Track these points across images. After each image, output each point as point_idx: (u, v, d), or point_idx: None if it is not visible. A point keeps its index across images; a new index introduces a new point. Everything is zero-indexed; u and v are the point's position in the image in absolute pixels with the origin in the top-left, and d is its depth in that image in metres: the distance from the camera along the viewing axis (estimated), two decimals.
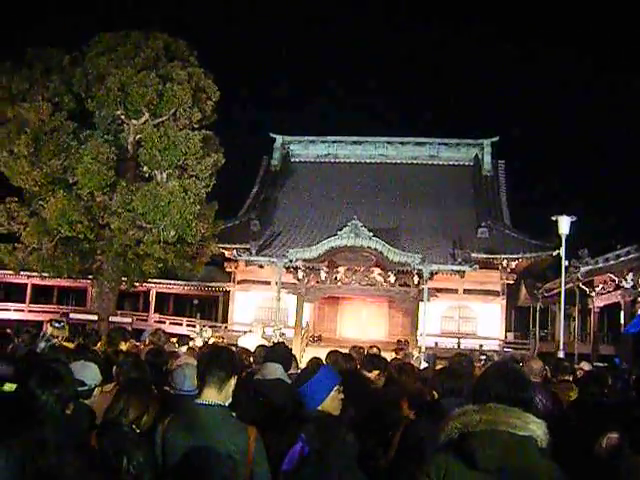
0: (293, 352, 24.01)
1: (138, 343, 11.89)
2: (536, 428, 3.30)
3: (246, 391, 5.53)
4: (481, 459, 3.22)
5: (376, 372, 8.23)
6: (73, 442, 3.92)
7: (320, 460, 3.99)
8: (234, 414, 4.36)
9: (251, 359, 9.41)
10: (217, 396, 4.20)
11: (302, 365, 11.71)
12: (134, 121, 30.71)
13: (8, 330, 11.63)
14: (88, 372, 5.39)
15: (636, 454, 3.41)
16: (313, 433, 4.15)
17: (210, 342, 15.77)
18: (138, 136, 30.60)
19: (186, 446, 3.96)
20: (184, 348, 14.63)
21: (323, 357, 9.97)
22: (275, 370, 6.56)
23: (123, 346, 10.09)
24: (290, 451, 4.15)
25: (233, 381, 4.32)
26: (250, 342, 12.87)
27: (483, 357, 10.62)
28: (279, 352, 7.48)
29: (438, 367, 11.18)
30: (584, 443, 4.36)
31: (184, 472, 3.80)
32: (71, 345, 9.09)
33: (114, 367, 6.58)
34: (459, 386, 5.65)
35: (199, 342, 17.93)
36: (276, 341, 25.21)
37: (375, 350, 12.63)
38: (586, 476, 3.52)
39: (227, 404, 4.29)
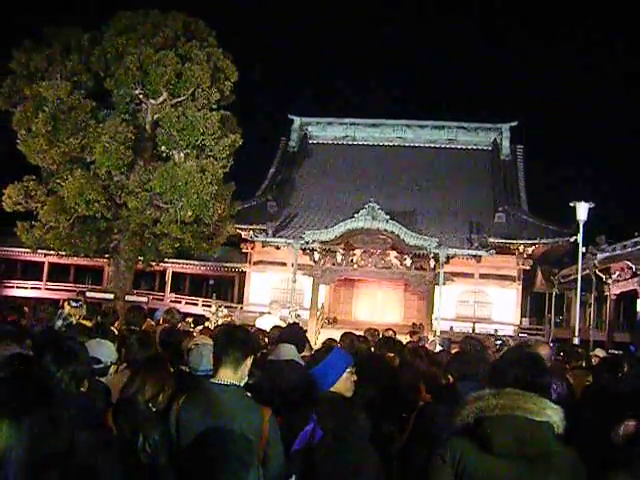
0: (308, 334, 24.11)
1: (153, 322, 11.93)
2: (553, 414, 3.30)
3: (260, 371, 5.54)
4: (497, 444, 3.22)
5: (391, 355, 8.25)
6: (88, 420, 3.94)
7: (334, 440, 4.01)
8: (249, 394, 4.38)
9: (266, 340, 9.42)
10: (233, 376, 4.21)
11: (317, 346, 11.77)
12: (152, 101, 30.68)
13: (25, 308, 11.70)
14: (104, 350, 5.43)
15: None
16: (325, 414, 4.16)
17: (220, 323, 15.77)
18: (156, 116, 30.57)
19: (201, 425, 3.96)
20: (199, 328, 14.69)
21: (338, 339, 10.03)
22: (288, 351, 6.57)
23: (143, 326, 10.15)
24: (302, 432, 4.17)
25: (249, 361, 4.32)
26: (268, 323, 12.86)
27: (498, 342, 10.58)
28: (293, 333, 7.51)
29: (453, 351, 11.20)
30: (598, 430, 4.35)
31: (199, 451, 3.81)
32: (89, 323, 9.14)
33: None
34: (474, 370, 5.65)
35: (214, 322, 17.99)
36: (291, 322, 25.35)
37: (390, 333, 12.65)
38: (601, 463, 3.51)
39: (242, 384, 4.31)
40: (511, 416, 3.26)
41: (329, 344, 5.08)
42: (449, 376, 5.84)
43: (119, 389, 4.73)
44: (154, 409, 4.43)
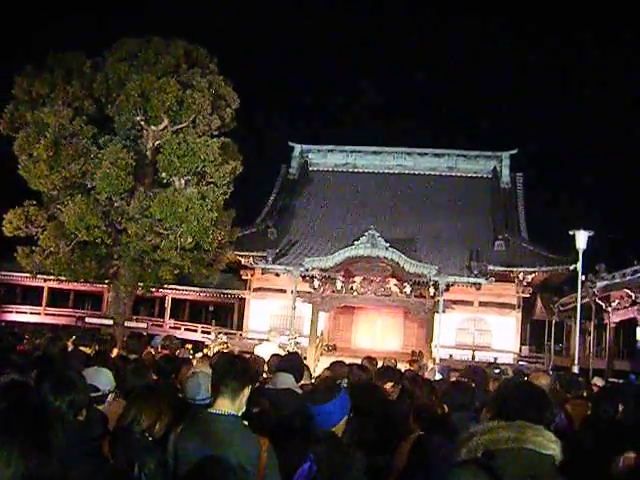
0: (307, 361, 23.97)
1: (152, 350, 11.92)
2: (556, 447, 3.32)
3: (257, 401, 5.53)
4: (510, 477, 3.22)
5: (390, 384, 8.22)
6: (85, 448, 3.93)
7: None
8: (246, 423, 4.36)
9: (265, 368, 9.40)
10: (230, 406, 4.19)
11: (316, 374, 11.74)
12: (153, 127, 30.83)
13: (26, 336, 11.69)
14: (102, 378, 5.41)
15: None
16: (324, 453, 4.15)
17: (215, 350, 15.76)
18: (157, 142, 30.74)
19: (198, 455, 3.95)
20: (199, 355, 14.67)
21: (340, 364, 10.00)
22: (286, 380, 6.57)
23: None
24: (299, 470, 4.15)
25: (247, 391, 4.31)
26: (267, 351, 12.86)
27: (497, 371, 10.53)
28: (291, 362, 7.50)
29: (452, 379, 11.15)
30: (597, 462, 4.34)
31: None
32: (88, 350, 9.13)
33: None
34: (469, 400, 5.64)
35: (213, 349, 17.98)
36: (291, 350, 25.31)
37: (392, 361, 12.63)
38: None
39: (240, 414, 4.29)
40: (521, 449, 3.26)
41: (335, 383, 5.04)
42: (444, 406, 5.83)
43: (116, 418, 4.71)
44: (150, 438, 4.41)
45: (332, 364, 9.76)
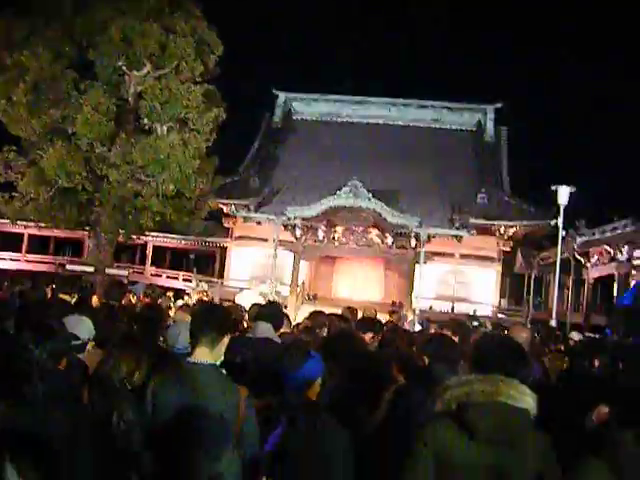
0: (288, 310, 24.07)
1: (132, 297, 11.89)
2: (530, 400, 3.35)
3: (240, 350, 5.54)
4: (480, 430, 3.26)
5: (370, 334, 8.26)
6: (65, 396, 3.93)
7: (305, 429, 4.02)
8: (224, 372, 4.37)
9: (245, 316, 9.42)
10: (209, 355, 4.20)
11: (296, 322, 11.79)
12: (135, 72, 30.45)
13: (5, 282, 11.67)
14: (82, 326, 5.41)
15: (621, 428, 3.43)
16: (297, 420, 4.17)
17: (195, 299, 15.74)
18: (139, 88, 30.37)
19: (177, 404, 3.97)
20: (179, 303, 14.71)
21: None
22: (265, 329, 6.58)
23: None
24: (272, 434, 4.16)
25: (226, 340, 4.31)
26: (248, 299, 12.92)
27: (475, 323, 10.59)
28: (271, 311, 7.51)
29: (431, 330, 11.23)
30: (572, 415, 4.38)
31: (175, 430, 3.82)
32: (68, 298, 9.09)
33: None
34: (452, 353, 5.67)
35: (194, 298, 17.97)
36: (271, 299, 25.40)
37: (372, 312, 12.66)
38: (574, 449, 3.54)
39: (218, 363, 4.30)
40: (494, 402, 3.30)
41: (305, 349, 5.02)
42: (425, 357, 5.85)
43: (95, 366, 4.72)
44: (129, 387, 4.42)
45: (312, 313, 9.80)
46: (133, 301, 10.77)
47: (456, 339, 7.40)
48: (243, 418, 4.06)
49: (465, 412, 3.32)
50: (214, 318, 4.35)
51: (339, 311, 11.03)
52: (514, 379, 3.40)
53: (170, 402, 4.04)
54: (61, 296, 9.08)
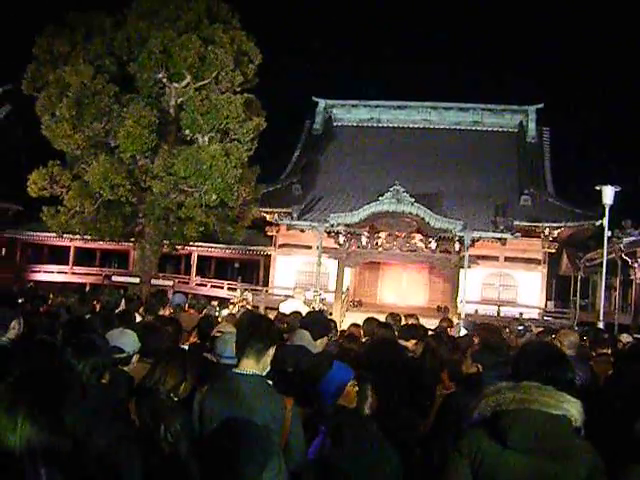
0: (333, 317, 24.07)
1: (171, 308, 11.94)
2: (570, 407, 3.29)
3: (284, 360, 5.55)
4: (513, 438, 3.22)
5: (413, 341, 8.24)
6: (110, 411, 3.97)
7: (350, 445, 4.02)
8: (271, 383, 4.39)
9: (285, 325, 9.44)
10: (255, 366, 4.23)
11: (342, 328, 11.78)
12: (176, 84, 30.69)
13: (51, 295, 11.78)
14: (127, 339, 5.45)
15: None
16: (335, 427, 4.17)
17: (236, 310, 15.81)
18: (180, 99, 30.63)
19: (223, 415, 3.98)
20: (225, 312, 14.77)
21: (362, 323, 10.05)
22: (302, 337, 6.57)
23: (163, 311, 10.16)
24: (313, 442, 4.17)
25: (271, 351, 4.34)
26: (291, 307, 12.93)
27: (520, 327, 10.47)
28: (313, 319, 7.51)
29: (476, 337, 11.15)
30: (621, 421, 4.31)
31: (219, 441, 3.83)
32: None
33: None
34: (497, 360, 5.63)
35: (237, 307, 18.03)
36: (316, 306, 25.40)
37: (414, 318, 12.63)
38: (623, 457, 3.48)
39: (265, 374, 4.32)
40: (527, 410, 3.25)
41: (328, 357, 5.06)
42: (478, 365, 5.81)
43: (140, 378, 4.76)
44: (176, 399, 4.45)
45: (366, 320, 9.80)
46: (168, 312, 10.77)
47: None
48: (289, 429, 4.07)
49: (497, 420, 3.29)
50: (259, 330, 4.38)
51: (383, 317, 11.03)
52: (551, 386, 3.34)
53: (216, 413, 4.07)
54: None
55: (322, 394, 4.66)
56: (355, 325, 10.54)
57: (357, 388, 4.77)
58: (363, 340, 9.15)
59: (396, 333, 8.88)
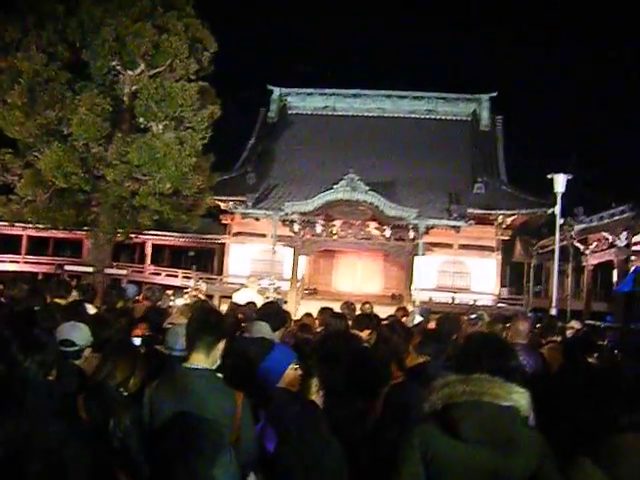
0: (288, 305, 24.10)
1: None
2: (519, 397, 3.34)
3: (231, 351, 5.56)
4: (465, 430, 3.25)
5: (367, 331, 8.29)
6: (58, 405, 3.95)
7: (293, 436, 4.06)
8: (220, 376, 4.39)
9: (240, 315, 9.42)
10: (205, 360, 4.22)
11: (297, 317, 11.83)
12: (130, 72, 30.45)
13: (1, 285, 11.62)
14: (78, 332, 5.41)
15: (615, 433, 3.45)
16: (276, 412, 4.22)
17: (187, 299, 15.76)
18: (134, 87, 30.38)
19: (173, 410, 3.98)
20: (180, 301, 14.71)
21: (316, 310, 10.11)
22: (261, 328, 6.57)
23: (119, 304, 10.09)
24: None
25: (221, 345, 4.33)
26: (245, 297, 12.94)
27: (473, 316, 10.54)
28: (269, 310, 7.52)
29: (430, 324, 11.23)
30: (568, 411, 4.38)
31: (171, 436, 3.83)
32: (63, 302, 9.05)
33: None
34: (441, 350, 5.69)
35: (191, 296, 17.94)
36: (270, 295, 25.39)
37: (368, 306, 12.69)
38: (570, 445, 3.55)
39: (214, 367, 4.32)
40: (478, 402, 3.29)
41: (269, 341, 5.15)
42: (425, 356, 5.86)
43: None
44: (125, 393, 4.43)
45: (320, 310, 9.85)
46: (122, 304, 10.67)
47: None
48: (239, 423, 4.08)
49: (448, 413, 3.32)
50: (209, 323, 4.37)
51: (339, 305, 11.09)
52: (499, 377, 3.39)
53: (166, 408, 4.05)
54: (57, 301, 9.05)
55: (264, 377, 4.69)
56: (308, 315, 10.59)
57: (299, 371, 4.83)
58: (318, 330, 9.20)
59: (350, 323, 8.93)
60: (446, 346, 5.80)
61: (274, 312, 7.50)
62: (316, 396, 4.61)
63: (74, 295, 10.21)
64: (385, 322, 9.58)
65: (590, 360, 7.05)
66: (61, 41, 30.11)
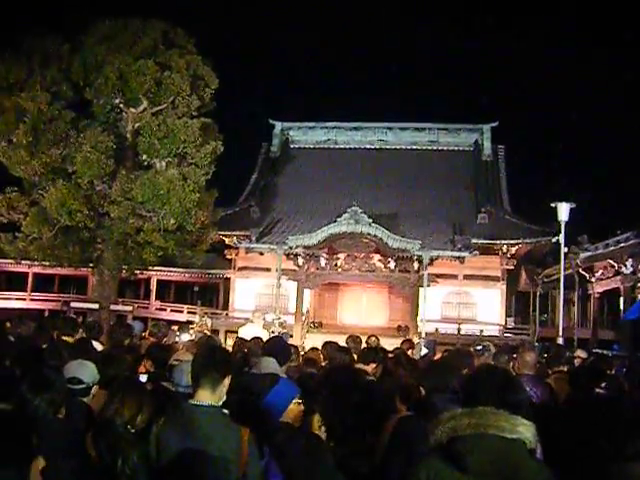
0: (294, 339, 24.04)
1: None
2: (524, 430, 3.32)
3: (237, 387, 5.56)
4: (470, 463, 3.24)
5: (373, 365, 8.28)
6: (68, 444, 3.96)
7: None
8: (226, 411, 4.40)
9: (245, 350, 9.40)
10: (211, 397, 4.23)
11: (303, 350, 11.80)
12: (132, 109, 30.71)
13: (7, 324, 11.61)
14: (85, 370, 5.43)
15: (622, 462, 3.45)
16: (282, 445, 4.23)
17: (194, 335, 15.71)
18: (137, 124, 30.62)
19: (180, 447, 4.00)
20: (185, 336, 14.69)
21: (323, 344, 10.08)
22: (269, 364, 6.58)
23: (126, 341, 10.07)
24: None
25: (227, 381, 4.34)
26: (251, 332, 12.93)
27: (479, 347, 10.50)
28: (275, 345, 7.52)
29: (437, 355, 11.21)
30: (574, 442, 4.36)
31: (177, 473, 3.84)
32: (70, 339, 9.06)
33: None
34: (445, 383, 5.68)
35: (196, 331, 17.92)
36: (275, 329, 25.36)
37: (374, 340, 12.65)
38: (578, 476, 3.55)
39: (220, 404, 4.33)
40: (483, 435, 3.28)
41: (273, 375, 5.18)
42: (421, 388, 5.86)
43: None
44: (133, 430, 4.44)
45: (324, 344, 9.81)
46: (129, 341, 10.65)
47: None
48: (246, 459, 4.08)
49: (454, 446, 3.32)
50: (214, 360, 4.39)
51: (344, 338, 11.07)
52: (505, 410, 3.38)
53: (173, 445, 4.07)
54: (65, 338, 9.07)
55: (267, 411, 4.70)
56: (314, 349, 10.57)
57: (302, 407, 4.84)
58: (323, 364, 9.19)
59: (355, 357, 8.91)
60: (452, 379, 5.78)
61: (280, 347, 7.50)
62: (319, 432, 4.62)
63: (81, 333, 10.21)
64: (391, 355, 9.58)
65: (598, 390, 7.04)
66: (65, 80, 30.49)
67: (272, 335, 12.77)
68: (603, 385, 7.38)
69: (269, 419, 4.69)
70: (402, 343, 13.89)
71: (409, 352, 12.11)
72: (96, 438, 4.24)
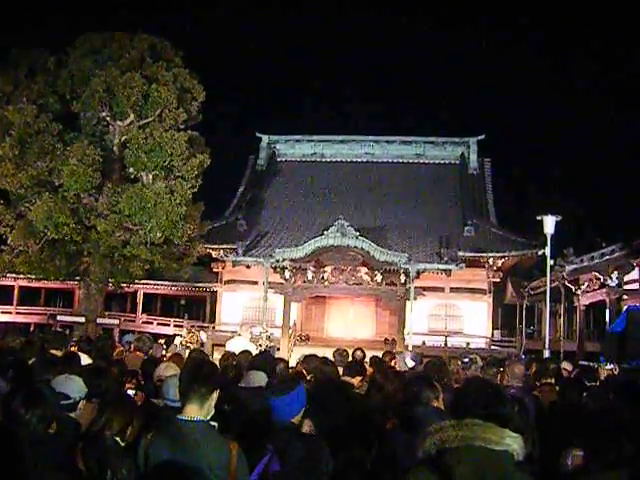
0: (280, 352, 24.17)
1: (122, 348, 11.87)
2: (512, 442, 3.35)
3: (227, 401, 5.59)
4: (458, 475, 3.27)
5: (359, 378, 8.31)
6: (58, 458, 3.98)
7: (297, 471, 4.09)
8: (215, 425, 4.42)
9: (234, 363, 9.43)
10: (199, 411, 4.25)
11: (290, 364, 11.82)
12: (119, 122, 30.70)
13: None
14: (72, 385, 5.43)
15: (603, 470, 3.49)
16: (284, 443, 4.25)
17: (179, 348, 15.74)
18: (124, 137, 30.59)
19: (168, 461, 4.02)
20: (172, 348, 14.71)
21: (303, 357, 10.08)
22: (259, 378, 6.62)
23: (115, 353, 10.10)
24: (259, 463, 4.24)
25: (215, 395, 4.37)
26: (238, 345, 12.99)
27: (466, 360, 10.54)
28: (264, 360, 7.58)
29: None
30: (557, 454, 4.42)
31: None
32: (59, 353, 9.05)
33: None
34: (426, 395, 5.72)
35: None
36: (263, 344, 25.36)
37: (359, 353, 12.67)
38: None
39: (209, 418, 4.35)
40: (471, 447, 3.31)
41: (297, 377, 5.22)
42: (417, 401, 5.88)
43: (88, 422, 4.76)
44: (122, 443, 4.46)
45: (305, 358, 9.83)
46: (117, 352, 10.70)
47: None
48: (234, 474, 4.11)
49: (442, 458, 3.35)
50: (202, 375, 4.41)
51: (331, 351, 11.09)
52: (492, 423, 3.41)
53: (162, 459, 4.09)
54: (53, 352, 9.05)
55: (281, 407, 4.75)
56: (312, 356, 10.60)
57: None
58: (308, 378, 9.22)
59: (340, 370, 8.94)
60: (438, 391, 5.82)
61: (268, 361, 7.56)
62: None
63: (71, 346, 10.22)
64: (367, 362, 9.62)
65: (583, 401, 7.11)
66: (52, 93, 30.51)
67: (259, 348, 12.80)
68: (586, 395, 7.48)
69: (276, 419, 4.73)
70: (384, 354, 13.93)
71: (392, 363, 12.14)
72: (85, 451, 4.26)
